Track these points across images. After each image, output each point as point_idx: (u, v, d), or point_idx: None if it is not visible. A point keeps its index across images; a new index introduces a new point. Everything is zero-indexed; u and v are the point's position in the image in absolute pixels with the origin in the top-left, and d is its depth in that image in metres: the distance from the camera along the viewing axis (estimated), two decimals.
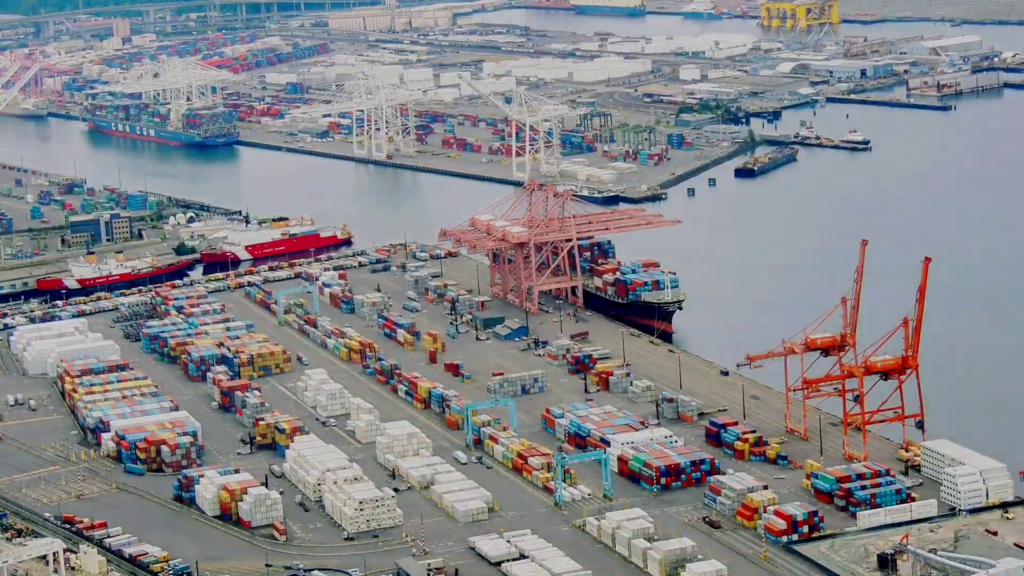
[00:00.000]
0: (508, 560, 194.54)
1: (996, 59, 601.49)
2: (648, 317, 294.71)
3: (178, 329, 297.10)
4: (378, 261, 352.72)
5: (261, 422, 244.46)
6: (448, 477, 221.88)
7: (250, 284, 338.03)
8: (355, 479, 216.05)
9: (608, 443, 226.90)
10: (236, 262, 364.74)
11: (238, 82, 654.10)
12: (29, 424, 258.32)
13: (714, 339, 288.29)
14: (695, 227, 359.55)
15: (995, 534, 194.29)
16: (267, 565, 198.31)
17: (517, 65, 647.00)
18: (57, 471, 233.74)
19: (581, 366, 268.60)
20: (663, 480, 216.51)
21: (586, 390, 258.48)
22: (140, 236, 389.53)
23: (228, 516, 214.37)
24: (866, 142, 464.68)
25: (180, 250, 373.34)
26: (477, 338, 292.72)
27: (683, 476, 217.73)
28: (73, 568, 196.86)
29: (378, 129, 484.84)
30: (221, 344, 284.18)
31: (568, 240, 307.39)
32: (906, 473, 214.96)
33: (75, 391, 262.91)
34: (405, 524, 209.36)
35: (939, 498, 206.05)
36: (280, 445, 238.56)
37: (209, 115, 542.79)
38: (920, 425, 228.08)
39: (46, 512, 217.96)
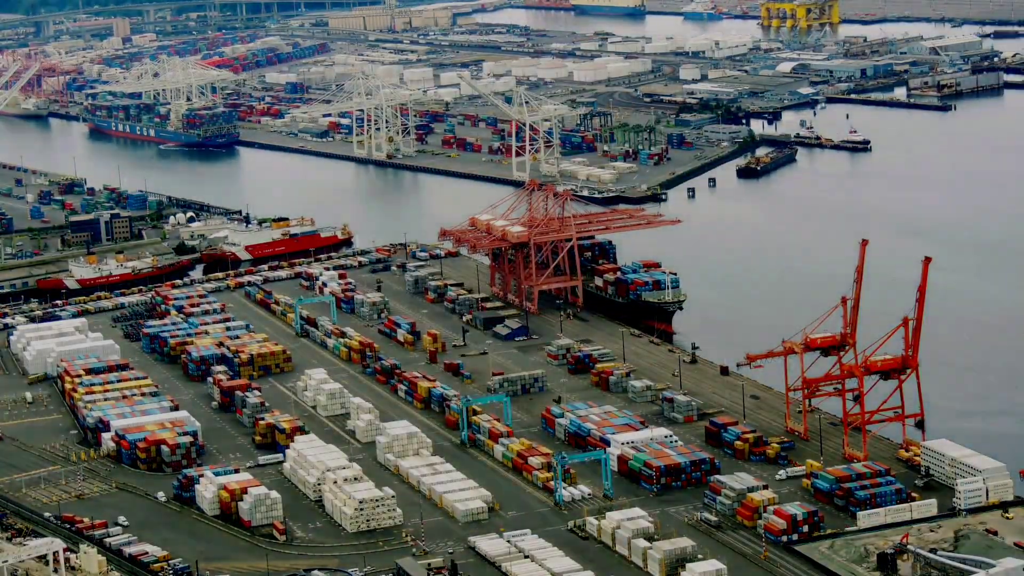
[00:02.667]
0: (508, 559, 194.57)
1: (996, 59, 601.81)
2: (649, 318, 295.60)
3: (178, 329, 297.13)
4: (378, 261, 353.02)
5: (261, 422, 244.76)
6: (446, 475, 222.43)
7: (250, 284, 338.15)
8: (355, 479, 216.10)
9: (608, 443, 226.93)
10: (236, 262, 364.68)
11: (238, 82, 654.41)
12: (29, 424, 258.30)
13: (714, 339, 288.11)
14: (695, 227, 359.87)
15: (995, 534, 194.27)
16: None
17: (517, 65, 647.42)
18: (57, 471, 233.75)
19: (581, 366, 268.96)
20: (663, 480, 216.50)
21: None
22: (140, 236, 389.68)
23: (228, 516, 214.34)
24: (866, 142, 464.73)
25: (180, 250, 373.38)
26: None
27: (683, 476, 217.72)
28: (73, 568, 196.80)
29: (378, 129, 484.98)
30: (221, 344, 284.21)
31: (568, 240, 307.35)
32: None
33: (75, 391, 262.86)
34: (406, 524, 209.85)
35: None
36: (280, 445, 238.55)
37: (209, 115, 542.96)
38: (920, 425, 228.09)
39: (46, 512, 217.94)
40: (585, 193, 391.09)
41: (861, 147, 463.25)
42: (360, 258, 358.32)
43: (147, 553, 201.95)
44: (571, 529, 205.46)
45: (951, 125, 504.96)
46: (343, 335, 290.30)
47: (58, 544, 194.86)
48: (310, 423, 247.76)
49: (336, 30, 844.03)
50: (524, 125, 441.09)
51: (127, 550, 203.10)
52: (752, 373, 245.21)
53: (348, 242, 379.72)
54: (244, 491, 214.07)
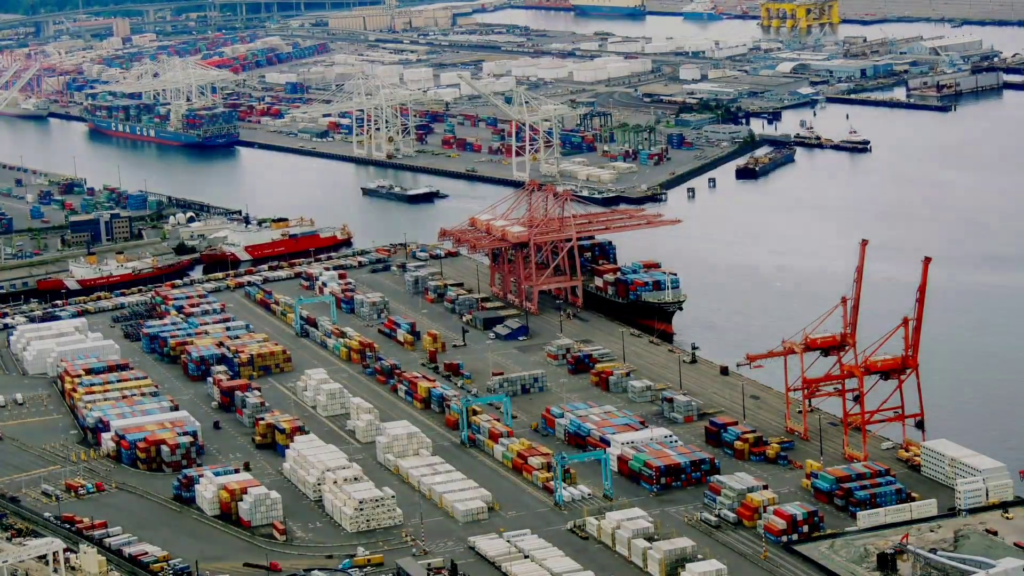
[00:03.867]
0: (508, 559, 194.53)
1: (996, 59, 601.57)
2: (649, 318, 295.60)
3: (178, 329, 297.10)
4: (378, 261, 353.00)
5: (261, 422, 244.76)
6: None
7: (250, 284, 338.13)
8: (355, 479, 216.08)
9: (608, 443, 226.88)
10: (236, 262, 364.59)
11: (238, 82, 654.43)
12: (29, 424, 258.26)
13: (714, 339, 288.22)
14: (695, 227, 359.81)
15: (995, 534, 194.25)
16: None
17: (517, 65, 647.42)
18: (57, 471, 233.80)
19: (581, 366, 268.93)
20: (663, 480, 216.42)
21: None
22: (140, 236, 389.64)
23: (228, 516, 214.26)
24: (866, 142, 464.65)
25: (180, 250, 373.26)
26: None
27: (683, 476, 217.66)
28: (73, 568, 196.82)
29: (378, 129, 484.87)
30: (221, 344, 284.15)
31: (568, 240, 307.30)
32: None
33: (75, 391, 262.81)
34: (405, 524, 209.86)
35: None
36: (280, 445, 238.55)
37: (209, 115, 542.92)
38: (920, 425, 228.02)
39: (46, 512, 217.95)
40: (585, 193, 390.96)
41: (861, 147, 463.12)
42: (360, 258, 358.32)
43: (147, 553, 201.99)
44: (571, 529, 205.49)
45: (951, 125, 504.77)
46: (343, 335, 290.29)
47: (58, 544, 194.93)
48: (310, 423, 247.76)
49: (336, 30, 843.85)
50: (524, 125, 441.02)
51: (127, 550, 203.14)
52: (752, 373, 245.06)
53: (348, 242, 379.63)
54: (244, 491, 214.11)
